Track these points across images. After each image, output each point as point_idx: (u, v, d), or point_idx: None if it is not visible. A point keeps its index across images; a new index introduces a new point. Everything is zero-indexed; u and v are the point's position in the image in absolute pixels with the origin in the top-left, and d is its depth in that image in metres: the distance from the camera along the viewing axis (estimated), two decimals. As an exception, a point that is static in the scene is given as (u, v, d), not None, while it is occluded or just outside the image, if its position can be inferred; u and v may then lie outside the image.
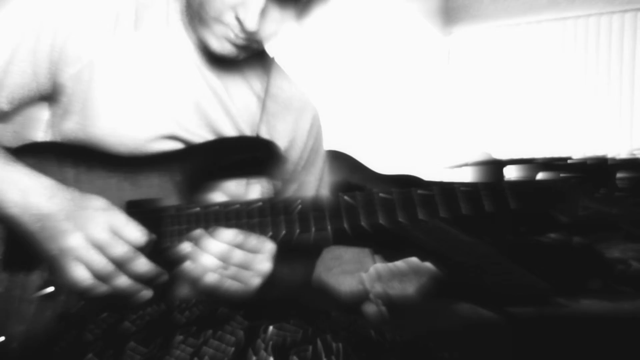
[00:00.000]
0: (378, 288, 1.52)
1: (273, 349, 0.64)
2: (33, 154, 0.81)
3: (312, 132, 0.99)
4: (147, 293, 0.73)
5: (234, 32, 0.79)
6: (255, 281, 0.74)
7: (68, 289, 0.72)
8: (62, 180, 0.78)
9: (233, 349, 0.65)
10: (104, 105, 0.82)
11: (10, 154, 0.79)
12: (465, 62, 4.48)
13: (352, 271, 1.61)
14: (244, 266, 0.73)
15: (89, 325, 0.73)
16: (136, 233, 0.72)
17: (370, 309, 1.47)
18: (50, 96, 0.85)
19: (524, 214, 0.71)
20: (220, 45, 0.82)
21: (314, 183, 1.00)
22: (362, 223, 0.72)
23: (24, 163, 0.78)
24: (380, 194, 0.72)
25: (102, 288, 0.71)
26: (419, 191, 0.71)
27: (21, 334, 0.74)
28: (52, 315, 0.74)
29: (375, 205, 0.72)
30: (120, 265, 0.71)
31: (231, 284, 0.73)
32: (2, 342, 0.74)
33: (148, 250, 0.73)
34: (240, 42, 0.81)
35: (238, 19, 0.77)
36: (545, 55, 4.17)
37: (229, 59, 0.84)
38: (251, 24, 0.77)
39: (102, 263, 0.71)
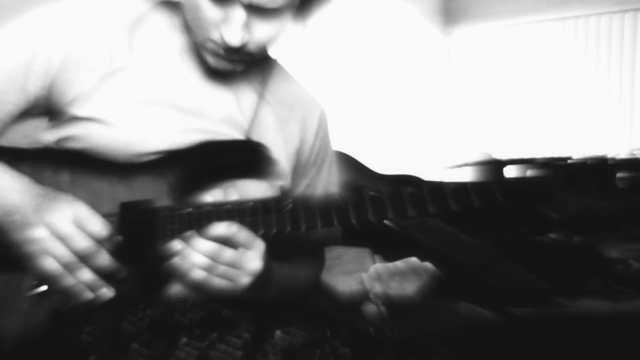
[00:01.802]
0: (378, 288, 1.52)
1: (282, 352, 0.64)
2: (29, 161, 0.81)
3: (320, 131, 1.00)
4: (107, 292, 0.73)
5: (222, 49, 0.80)
6: (245, 280, 0.74)
7: (42, 280, 0.73)
8: (58, 184, 0.78)
9: (241, 352, 0.65)
10: (105, 125, 0.83)
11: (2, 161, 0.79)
12: (465, 62, 4.48)
13: (351, 271, 1.61)
14: (233, 264, 0.73)
15: (85, 327, 0.73)
16: (98, 226, 0.73)
17: (369, 309, 1.47)
18: (47, 114, 0.86)
19: (512, 210, 0.72)
20: (215, 62, 0.83)
21: (322, 180, 1.01)
22: (353, 220, 0.74)
23: (19, 169, 0.79)
24: (371, 193, 0.74)
25: (69, 279, 0.72)
26: (409, 189, 0.73)
27: (14, 332, 0.74)
28: (45, 313, 0.75)
29: (365, 204, 0.74)
30: (82, 257, 0.72)
31: (219, 282, 0.73)
32: None
33: (112, 245, 0.74)
34: (232, 57, 0.82)
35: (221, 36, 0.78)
36: (545, 55, 4.17)
37: (227, 72, 0.86)
38: (234, 40, 0.77)
39: (65, 254, 0.71)
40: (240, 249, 0.74)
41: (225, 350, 0.66)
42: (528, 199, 0.73)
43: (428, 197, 0.73)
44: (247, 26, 0.78)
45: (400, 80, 3.85)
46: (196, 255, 0.72)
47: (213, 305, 0.75)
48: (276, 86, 0.96)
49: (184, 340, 0.68)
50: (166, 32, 0.89)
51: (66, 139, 0.84)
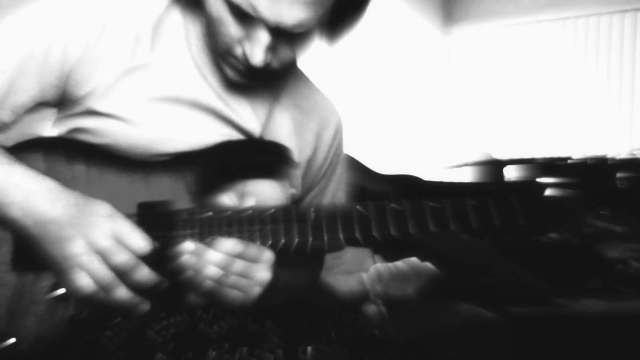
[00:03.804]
0: (378, 288, 1.52)
1: None
2: (41, 149, 0.80)
3: (335, 140, 0.98)
4: (145, 306, 0.72)
5: (243, 65, 0.79)
6: (256, 290, 0.73)
7: (73, 296, 0.71)
8: (72, 177, 0.77)
9: None
10: (123, 122, 0.82)
11: (15, 150, 0.78)
12: (465, 62, 4.48)
13: (352, 271, 1.61)
14: (243, 275, 0.72)
15: (106, 332, 0.72)
16: (140, 242, 0.71)
17: (370, 309, 1.47)
18: (57, 104, 0.85)
19: (531, 230, 0.72)
20: (234, 76, 0.81)
21: (332, 188, 1.01)
22: (375, 234, 0.73)
23: (32, 157, 0.77)
24: (392, 205, 0.73)
25: (102, 296, 0.70)
26: (430, 203, 0.73)
27: (31, 335, 0.73)
28: (62, 317, 0.74)
29: (386, 216, 0.73)
30: (122, 273, 0.70)
31: (229, 292, 0.72)
32: (13, 343, 0.73)
33: (151, 258, 0.72)
34: (252, 75, 0.80)
35: (244, 54, 0.77)
36: (545, 55, 4.17)
37: (245, 85, 0.84)
38: (256, 60, 0.75)
39: (103, 271, 0.69)
40: (250, 260, 0.73)
41: None
42: (548, 220, 0.73)
43: (450, 213, 0.72)
44: (271, 48, 0.76)
45: (400, 80, 3.85)
46: (208, 267, 0.71)
47: (237, 317, 0.74)
48: (295, 91, 0.95)
49: (213, 354, 0.67)
50: (187, 34, 0.87)
51: (79, 130, 0.82)
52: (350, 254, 1.68)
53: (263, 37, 0.75)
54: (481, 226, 0.71)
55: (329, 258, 1.59)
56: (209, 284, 0.71)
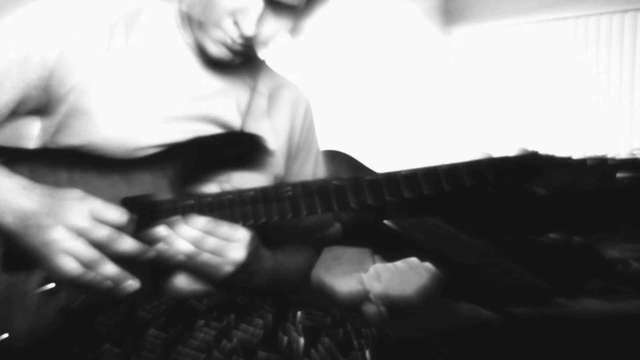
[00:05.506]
0: (377, 288, 1.52)
1: (304, 330, 0.66)
2: (25, 161, 0.82)
3: (305, 121, 1.04)
4: (134, 284, 0.74)
5: (231, 38, 0.83)
6: (227, 269, 0.76)
7: (62, 281, 0.73)
8: (56, 183, 0.79)
9: (262, 331, 0.66)
10: (102, 118, 0.84)
11: (2, 164, 0.80)
12: (465, 62, 4.47)
13: (351, 271, 1.61)
14: (215, 252, 0.75)
15: (99, 318, 0.74)
16: (115, 213, 0.74)
17: (369, 309, 1.47)
18: (42, 109, 0.86)
19: (501, 188, 0.74)
20: (218, 50, 0.85)
21: (309, 172, 1.05)
22: (351, 204, 0.75)
23: (17, 169, 0.79)
24: (367, 177, 0.75)
25: (91, 275, 0.72)
26: (403, 172, 0.75)
27: (24, 330, 0.75)
28: (54, 310, 0.75)
29: (362, 187, 0.75)
30: (105, 247, 0.72)
31: (202, 268, 0.75)
32: (5, 339, 0.74)
33: (130, 229, 0.75)
34: (236, 47, 0.84)
35: (236, 24, 0.81)
36: (545, 55, 4.17)
37: (225, 62, 0.88)
38: (248, 30, 0.80)
39: (86, 250, 0.72)
40: (223, 239, 0.75)
41: (246, 330, 0.68)
42: (516, 176, 0.76)
43: (422, 179, 0.74)
44: (260, 18, 0.81)
45: (400, 80, 3.85)
46: (180, 242, 0.74)
47: (228, 293, 0.77)
48: (265, 80, 1.00)
49: (202, 322, 0.69)
50: (164, 24, 0.90)
51: (62, 132, 0.84)
52: (350, 254, 1.69)
53: (257, 6, 0.80)
54: (454, 189, 0.74)
55: (329, 259, 1.60)
56: (180, 257, 0.74)
